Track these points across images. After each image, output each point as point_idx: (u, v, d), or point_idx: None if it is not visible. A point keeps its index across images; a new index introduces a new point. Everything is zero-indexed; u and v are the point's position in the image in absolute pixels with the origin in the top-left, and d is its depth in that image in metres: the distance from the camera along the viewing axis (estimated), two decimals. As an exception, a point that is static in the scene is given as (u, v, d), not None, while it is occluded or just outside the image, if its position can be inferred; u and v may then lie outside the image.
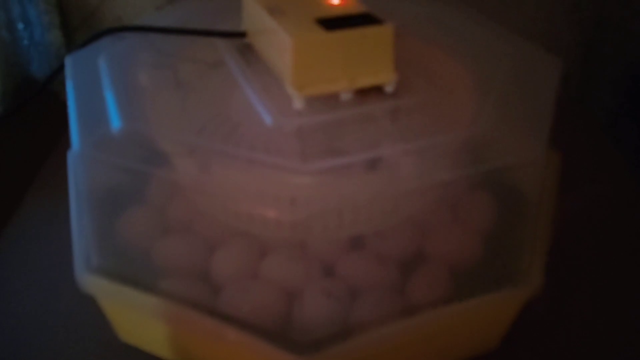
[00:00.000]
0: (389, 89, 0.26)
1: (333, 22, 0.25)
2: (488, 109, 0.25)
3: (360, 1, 0.27)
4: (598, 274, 0.31)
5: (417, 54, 0.29)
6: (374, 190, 0.23)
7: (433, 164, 0.24)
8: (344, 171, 0.23)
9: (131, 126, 0.24)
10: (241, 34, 0.30)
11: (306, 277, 0.26)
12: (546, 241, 0.26)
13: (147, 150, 0.24)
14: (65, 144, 0.25)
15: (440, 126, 0.25)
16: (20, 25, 0.43)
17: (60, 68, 0.29)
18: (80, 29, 0.46)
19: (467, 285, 0.26)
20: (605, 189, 0.36)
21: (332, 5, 0.27)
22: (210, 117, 0.26)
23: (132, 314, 0.26)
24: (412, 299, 0.26)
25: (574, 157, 0.31)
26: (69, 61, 0.28)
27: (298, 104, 0.25)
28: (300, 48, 0.24)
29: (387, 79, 0.26)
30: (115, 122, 0.24)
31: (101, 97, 0.25)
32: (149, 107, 0.26)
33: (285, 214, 0.23)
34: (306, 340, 0.22)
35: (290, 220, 0.23)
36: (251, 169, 0.23)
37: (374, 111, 0.26)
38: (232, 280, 0.26)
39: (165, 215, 0.28)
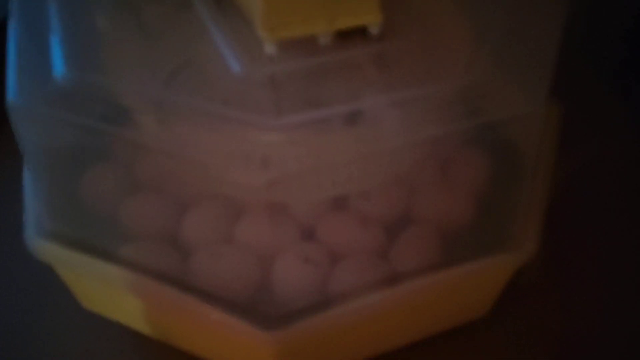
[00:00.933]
0: (373, 31, 0.23)
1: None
2: (484, 56, 0.23)
3: None
4: (598, 237, 0.29)
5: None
6: (355, 148, 0.21)
7: (421, 117, 0.21)
8: (321, 126, 0.20)
9: (79, 75, 0.21)
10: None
11: (283, 240, 0.24)
12: (544, 203, 0.24)
13: (102, 104, 0.21)
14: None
15: (430, 74, 0.22)
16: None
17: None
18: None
19: (457, 249, 0.24)
20: (609, 145, 0.34)
21: None
22: (174, 65, 0.23)
23: (92, 283, 0.24)
24: (397, 264, 0.24)
25: (577, 111, 0.28)
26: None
27: (269, 48, 0.22)
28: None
29: (372, 19, 0.23)
30: (61, 70, 0.21)
31: (47, 41, 0.22)
32: (106, 53, 0.23)
33: (256, 175, 0.21)
34: (275, 313, 0.21)
35: (263, 182, 0.21)
36: (217, 125, 0.20)
37: (357, 57, 0.23)
38: (204, 244, 0.24)
39: (131, 174, 0.26)
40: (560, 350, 0.26)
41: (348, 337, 0.22)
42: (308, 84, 0.22)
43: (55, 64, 0.21)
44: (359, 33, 0.23)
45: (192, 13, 0.25)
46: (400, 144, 0.21)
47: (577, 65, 0.39)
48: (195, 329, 0.23)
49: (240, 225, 0.24)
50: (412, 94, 0.21)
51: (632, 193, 0.32)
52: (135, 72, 0.23)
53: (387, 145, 0.22)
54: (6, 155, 0.33)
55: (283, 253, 0.24)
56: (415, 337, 0.25)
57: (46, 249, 0.23)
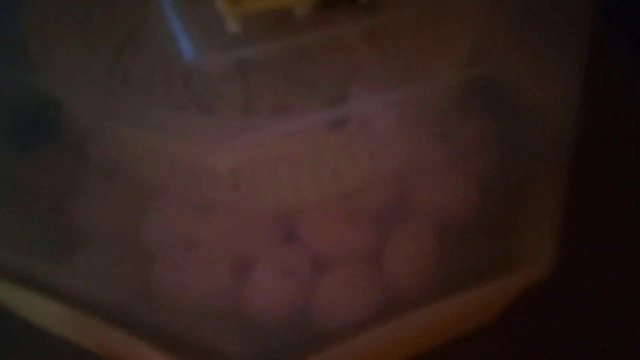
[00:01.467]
0: (364, -1, 0.18)
1: None
2: (500, 31, 0.18)
3: None
4: (621, 224, 0.26)
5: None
6: (340, 161, 0.17)
7: (423, 119, 0.17)
8: (297, 133, 0.16)
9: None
10: None
11: (258, 244, 0.21)
12: (563, 206, 0.20)
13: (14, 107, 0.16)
14: None
15: (435, 57, 0.18)
16: None
17: None
18: None
19: (459, 253, 0.20)
20: (626, 104, 0.30)
21: None
22: (115, 48, 0.18)
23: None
24: (391, 272, 0.21)
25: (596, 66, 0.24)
26: None
27: (232, 26, 0.17)
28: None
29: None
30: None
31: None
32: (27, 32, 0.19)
33: (221, 192, 0.17)
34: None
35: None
36: (167, 133, 0.16)
37: (343, 34, 0.18)
38: (167, 250, 0.21)
39: (78, 161, 0.22)
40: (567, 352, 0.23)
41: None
42: (281, 73, 0.17)
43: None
44: (345, 1, 0.18)
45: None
46: (397, 158, 0.17)
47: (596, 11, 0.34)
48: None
49: (208, 225, 0.21)
50: (413, 91, 0.17)
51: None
52: (73, 57, 0.18)
53: (382, 151, 0.18)
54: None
55: (257, 264, 0.20)
56: (410, 355, 0.22)
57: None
